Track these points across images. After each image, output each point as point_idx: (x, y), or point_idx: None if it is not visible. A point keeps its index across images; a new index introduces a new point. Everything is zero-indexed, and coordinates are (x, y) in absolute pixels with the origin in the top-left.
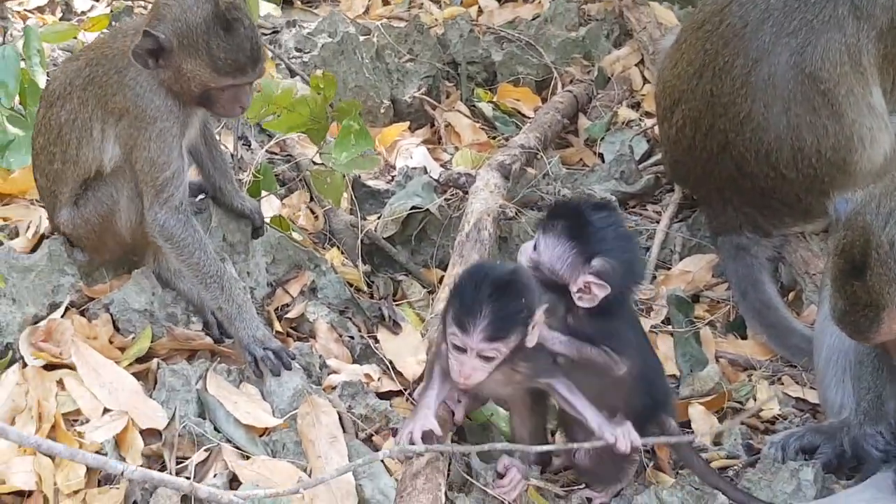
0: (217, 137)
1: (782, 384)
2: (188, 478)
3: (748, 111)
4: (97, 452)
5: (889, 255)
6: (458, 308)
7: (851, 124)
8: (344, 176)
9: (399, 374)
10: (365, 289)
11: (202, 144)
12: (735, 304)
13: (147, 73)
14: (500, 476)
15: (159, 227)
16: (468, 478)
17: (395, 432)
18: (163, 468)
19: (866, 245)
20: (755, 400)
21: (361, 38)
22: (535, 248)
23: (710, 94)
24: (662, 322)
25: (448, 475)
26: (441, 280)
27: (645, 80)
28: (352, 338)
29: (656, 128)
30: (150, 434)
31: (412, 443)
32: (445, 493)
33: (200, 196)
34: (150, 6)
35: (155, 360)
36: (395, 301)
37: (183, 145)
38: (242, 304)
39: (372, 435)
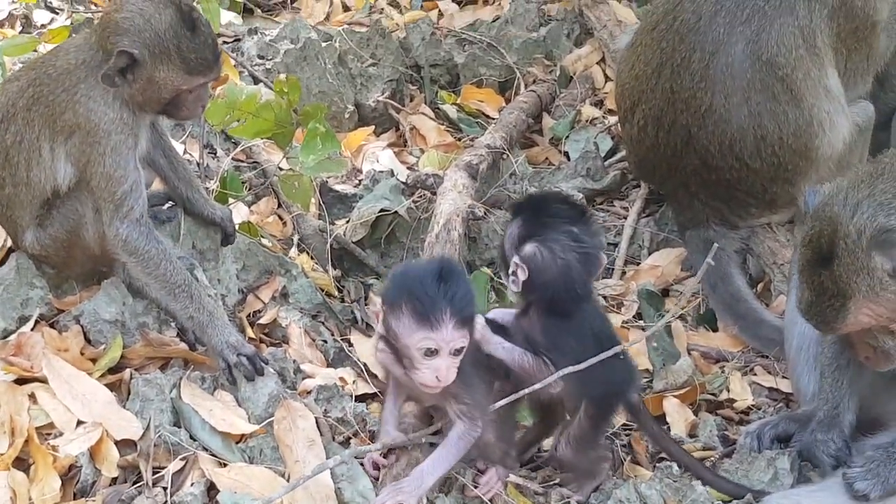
0: (181, 148)
1: (755, 374)
2: (165, 488)
3: (709, 104)
4: (72, 465)
5: (856, 244)
6: (419, 309)
7: (810, 108)
8: (312, 180)
9: (374, 376)
10: (336, 293)
11: (161, 157)
12: (705, 297)
13: (100, 87)
14: (480, 472)
15: (122, 242)
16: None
17: (372, 435)
18: (139, 479)
19: (833, 235)
20: (728, 391)
21: (324, 44)
22: None
23: (670, 90)
24: (634, 317)
25: None
26: None
27: (607, 78)
28: (325, 342)
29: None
30: (125, 445)
31: (376, 467)
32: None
33: (169, 203)
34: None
35: (128, 371)
36: (366, 304)
37: (137, 156)
38: (213, 311)
39: (349, 438)
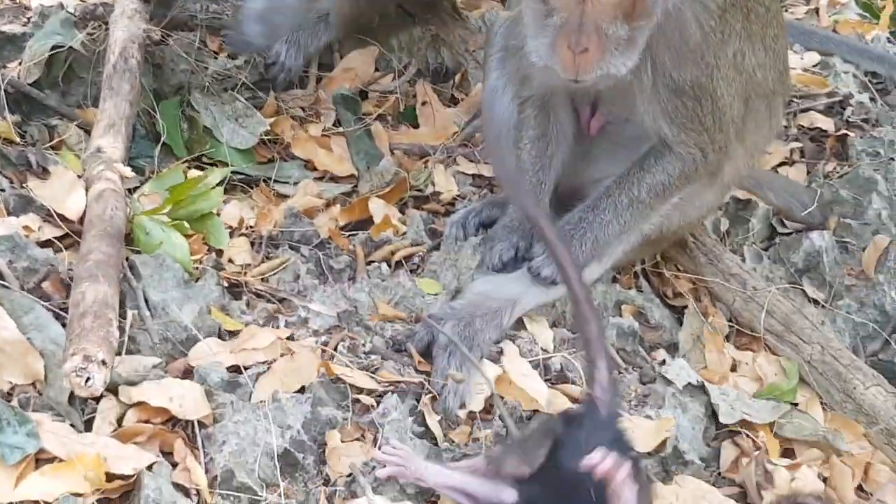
0: None
1: (458, 165)
2: None
3: None
4: None
5: None
6: None
7: None
8: None
9: (63, 217)
10: (18, 140)
11: None
12: (404, 95)
13: None
14: None
15: None
16: None
17: (62, 281)
18: None
19: None
20: (434, 185)
21: None
22: None
23: None
24: (333, 125)
25: None
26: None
27: None
28: (3, 190)
29: None
30: None
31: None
32: None
33: None
34: None
35: None
36: (51, 146)
37: None
38: None
39: (38, 285)
